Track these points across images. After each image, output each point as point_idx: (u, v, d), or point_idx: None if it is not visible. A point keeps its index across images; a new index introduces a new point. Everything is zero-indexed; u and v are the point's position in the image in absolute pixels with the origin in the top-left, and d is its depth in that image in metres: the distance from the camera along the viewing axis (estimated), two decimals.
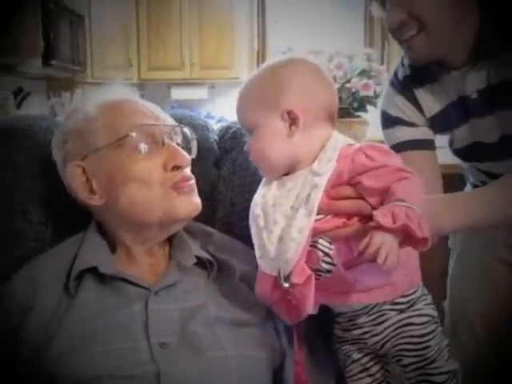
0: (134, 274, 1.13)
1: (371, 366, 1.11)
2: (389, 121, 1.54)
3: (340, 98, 3.29)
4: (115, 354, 1.01)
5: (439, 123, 1.51)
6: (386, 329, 1.04)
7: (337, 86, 3.28)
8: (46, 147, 1.29)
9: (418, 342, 1.03)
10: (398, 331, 1.04)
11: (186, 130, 1.24)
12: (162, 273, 1.15)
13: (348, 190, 1.00)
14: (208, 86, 5.99)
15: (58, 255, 1.18)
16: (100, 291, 1.10)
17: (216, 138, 1.43)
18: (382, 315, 1.04)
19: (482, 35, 1.34)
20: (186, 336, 1.05)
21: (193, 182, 1.18)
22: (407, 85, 1.51)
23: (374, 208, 0.96)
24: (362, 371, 1.11)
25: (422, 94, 1.49)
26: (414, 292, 1.05)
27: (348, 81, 3.32)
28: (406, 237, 0.90)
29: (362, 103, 3.36)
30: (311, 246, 1.00)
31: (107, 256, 1.16)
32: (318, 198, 0.99)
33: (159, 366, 1.00)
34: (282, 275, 0.99)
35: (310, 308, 0.99)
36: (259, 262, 1.05)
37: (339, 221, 0.99)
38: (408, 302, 1.04)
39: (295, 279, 0.98)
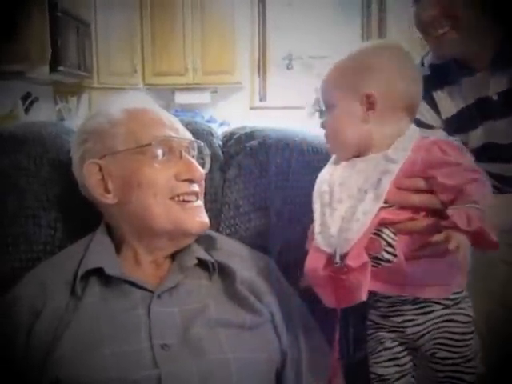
0: (139, 276, 1.14)
1: (402, 357, 1.09)
2: None
3: None
4: (119, 358, 1.01)
5: (454, 125, 1.52)
6: (429, 320, 1.03)
7: None
8: (55, 153, 1.33)
9: (459, 339, 1.02)
10: (440, 325, 1.03)
11: (202, 145, 1.28)
12: (165, 275, 1.16)
13: (420, 183, 0.98)
14: (210, 90, 6.01)
15: (66, 258, 1.19)
16: (105, 295, 1.11)
17: (220, 143, 1.45)
18: (427, 306, 1.03)
19: (506, 39, 1.37)
20: (188, 338, 1.06)
21: (198, 203, 1.20)
22: (426, 86, 1.49)
23: (443, 203, 0.96)
24: (391, 359, 1.09)
25: (439, 96, 1.50)
26: (461, 291, 1.05)
27: None
28: (475, 240, 0.90)
29: None
30: (375, 233, 0.99)
31: (113, 258, 1.17)
32: (388, 184, 0.98)
33: (160, 368, 1.00)
34: (338, 254, 0.98)
35: (365, 295, 0.98)
36: (316, 237, 1.02)
37: (407, 214, 0.99)
38: (455, 299, 1.03)
39: (350, 261, 0.97)
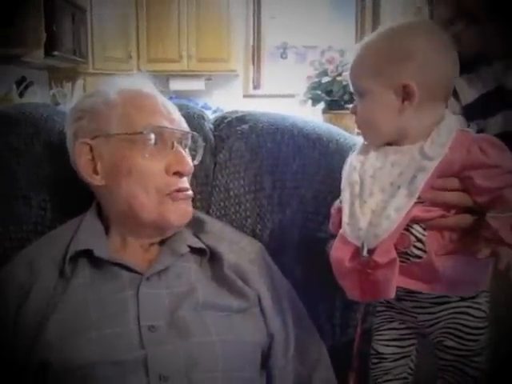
0: (128, 259, 1.14)
1: (406, 339, 1.07)
2: None
3: (331, 91, 3.38)
4: (107, 340, 1.01)
5: (473, 111, 1.48)
6: (442, 310, 1.00)
7: (328, 79, 3.37)
8: (46, 134, 1.34)
9: (470, 332, 0.99)
10: (453, 316, 1.00)
11: (197, 136, 1.27)
12: (154, 258, 1.16)
13: (455, 183, 0.93)
14: (205, 77, 6.03)
15: (56, 238, 1.19)
16: (94, 277, 1.11)
17: (211, 126, 1.44)
18: (443, 296, 0.99)
19: None
20: (175, 321, 1.06)
21: (189, 192, 1.19)
22: None
23: (476, 204, 0.92)
24: (395, 339, 1.07)
25: (459, 82, 1.43)
26: None
27: (339, 74, 3.36)
28: None
29: (352, 96, 3.43)
30: (404, 228, 0.95)
31: (102, 240, 1.16)
32: (423, 182, 0.92)
33: (147, 349, 1.00)
34: (365, 247, 0.95)
35: (392, 292, 0.94)
36: (344, 226, 0.98)
37: (438, 211, 0.94)
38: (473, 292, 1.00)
39: (378, 257, 0.93)
